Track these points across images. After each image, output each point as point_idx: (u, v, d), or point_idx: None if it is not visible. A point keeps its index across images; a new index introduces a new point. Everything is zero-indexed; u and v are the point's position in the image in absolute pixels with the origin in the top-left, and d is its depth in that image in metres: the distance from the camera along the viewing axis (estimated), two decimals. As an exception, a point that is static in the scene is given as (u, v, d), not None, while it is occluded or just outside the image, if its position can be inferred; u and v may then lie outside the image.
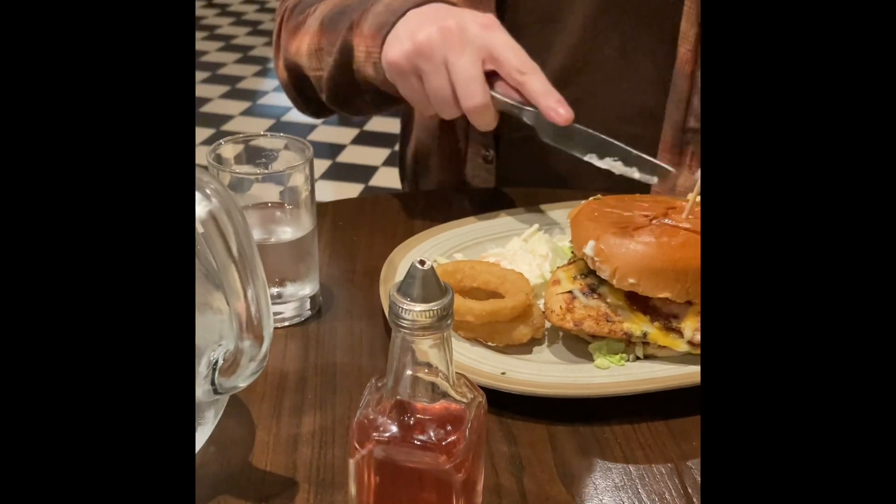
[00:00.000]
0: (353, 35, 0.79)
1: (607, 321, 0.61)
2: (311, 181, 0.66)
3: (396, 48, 0.73)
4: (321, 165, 2.81)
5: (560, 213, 0.80)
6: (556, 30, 0.87)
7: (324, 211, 0.83)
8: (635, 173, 0.73)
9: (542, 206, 0.81)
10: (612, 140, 0.74)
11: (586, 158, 0.74)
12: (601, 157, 0.74)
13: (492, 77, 0.73)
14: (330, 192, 2.63)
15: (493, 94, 0.73)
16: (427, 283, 0.42)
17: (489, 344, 0.63)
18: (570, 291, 0.63)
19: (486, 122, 0.74)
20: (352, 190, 2.66)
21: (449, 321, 0.43)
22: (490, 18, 0.73)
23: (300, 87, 0.91)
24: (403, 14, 0.75)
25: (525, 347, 0.63)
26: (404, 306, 0.42)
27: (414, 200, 0.88)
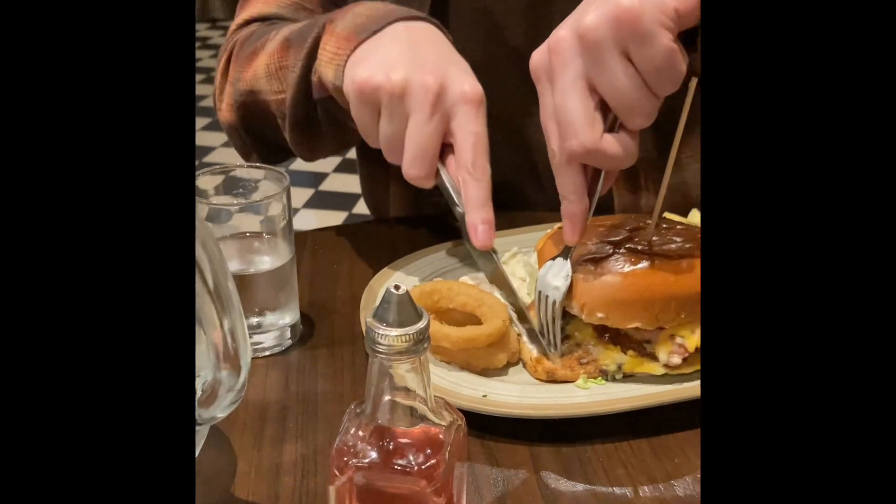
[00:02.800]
0: (324, 32, 0.72)
1: (581, 364, 0.62)
2: (289, 210, 0.67)
3: (366, 71, 0.66)
4: (304, 194, 2.81)
5: (538, 236, 0.80)
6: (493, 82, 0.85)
7: (303, 240, 0.83)
8: (520, 326, 0.66)
9: (521, 230, 0.82)
10: (515, 291, 0.68)
11: (489, 282, 0.70)
12: (500, 290, 0.69)
13: (449, 147, 0.67)
14: (313, 220, 2.64)
15: (441, 168, 0.67)
16: (403, 308, 0.42)
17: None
18: (538, 351, 0.62)
19: (420, 186, 0.68)
20: (335, 218, 2.66)
21: (425, 345, 0.43)
22: (476, 90, 0.66)
23: (251, 126, 0.83)
24: (390, 24, 0.69)
25: (506, 369, 0.64)
26: (380, 331, 0.42)
27: (394, 227, 0.89)
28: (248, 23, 0.87)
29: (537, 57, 0.59)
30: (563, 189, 0.60)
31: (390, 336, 0.42)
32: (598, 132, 0.57)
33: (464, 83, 0.66)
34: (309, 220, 2.66)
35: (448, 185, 0.68)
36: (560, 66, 0.57)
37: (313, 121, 0.77)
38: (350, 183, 2.92)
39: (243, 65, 0.81)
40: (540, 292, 0.62)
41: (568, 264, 0.62)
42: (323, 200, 2.80)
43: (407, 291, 0.42)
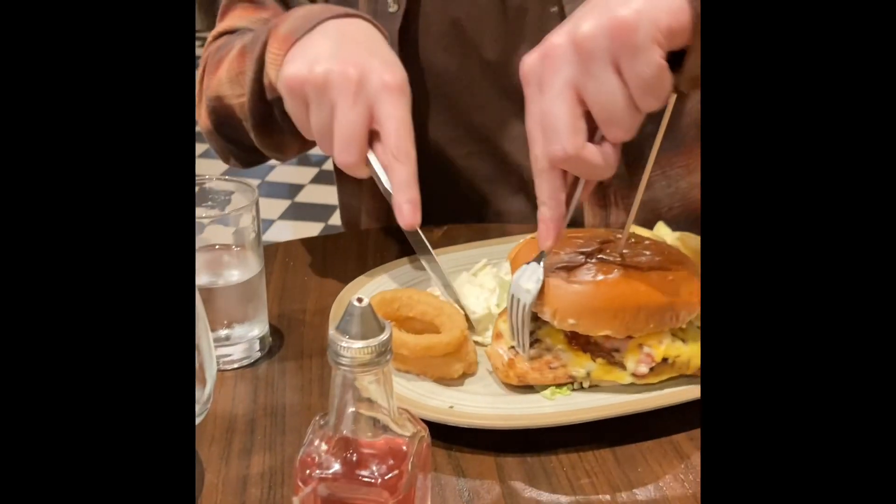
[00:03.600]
0: (270, 35, 0.75)
1: (550, 368, 0.62)
2: (258, 223, 0.67)
3: (293, 68, 0.69)
4: (280, 206, 2.81)
5: (507, 247, 0.81)
6: (450, 90, 0.85)
7: (273, 252, 0.83)
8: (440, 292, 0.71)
9: (490, 241, 0.82)
10: (442, 272, 0.71)
11: (422, 260, 0.73)
12: (429, 265, 0.73)
13: (377, 135, 0.69)
14: (289, 232, 2.63)
15: (370, 156, 0.69)
16: (365, 321, 0.43)
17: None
18: (512, 347, 0.63)
19: (355, 174, 0.71)
20: (311, 229, 2.66)
21: (388, 357, 0.44)
22: (397, 78, 0.68)
23: (224, 131, 0.86)
24: (322, 22, 0.72)
25: (473, 379, 0.64)
26: (343, 344, 0.43)
27: (365, 239, 0.89)
28: (221, 35, 0.90)
29: (529, 62, 0.59)
30: (541, 194, 0.61)
31: (353, 348, 0.42)
32: (581, 140, 0.57)
33: (384, 73, 0.68)
34: (285, 231, 2.65)
35: (378, 170, 0.69)
36: (551, 72, 0.57)
37: (273, 121, 0.79)
38: (326, 194, 2.92)
39: (211, 72, 0.85)
40: (513, 296, 0.63)
41: (541, 269, 0.62)
42: (299, 212, 2.79)
43: (370, 304, 0.43)
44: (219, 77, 0.83)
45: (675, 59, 0.57)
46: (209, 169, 3.17)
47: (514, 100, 0.84)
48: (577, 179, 0.61)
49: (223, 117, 0.85)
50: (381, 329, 0.43)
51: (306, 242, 0.87)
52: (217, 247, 0.67)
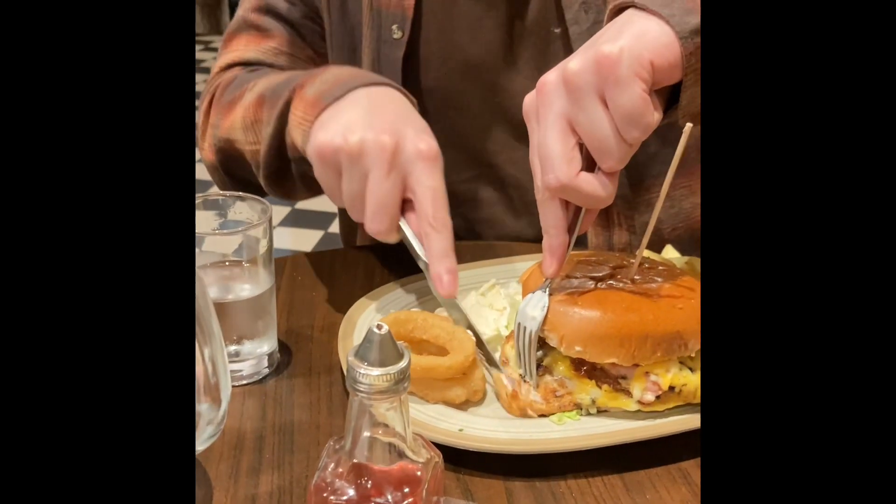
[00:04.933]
0: (294, 95, 0.76)
1: (556, 396, 0.62)
2: (270, 239, 0.67)
3: (326, 135, 0.69)
4: (280, 212, 2.81)
5: (517, 266, 0.81)
6: (451, 114, 0.87)
7: (281, 266, 0.83)
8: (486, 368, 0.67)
9: (499, 261, 0.82)
10: (482, 340, 0.68)
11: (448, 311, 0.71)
12: (453, 315, 0.70)
13: (410, 203, 0.70)
14: (288, 239, 2.63)
15: (402, 223, 0.70)
16: (384, 348, 0.43)
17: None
18: (519, 374, 0.63)
19: (384, 240, 0.71)
20: (311, 236, 2.66)
21: (406, 384, 0.44)
22: (431, 147, 0.69)
23: (230, 168, 0.87)
24: (353, 90, 0.73)
25: (482, 402, 0.64)
26: (361, 370, 0.43)
27: (372, 255, 0.89)
28: (230, 66, 0.92)
29: (528, 100, 0.62)
30: (544, 223, 0.62)
31: (371, 375, 0.43)
32: (574, 169, 0.59)
33: (419, 141, 0.68)
34: (285, 238, 2.65)
35: (411, 238, 0.70)
36: (544, 106, 0.60)
37: (286, 173, 0.81)
38: (326, 202, 2.91)
39: (222, 113, 0.85)
40: (519, 323, 0.63)
41: (546, 297, 0.63)
42: (299, 219, 2.79)
43: (389, 331, 0.43)
44: (232, 121, 0.83)
45: (674, 97, 0.60)
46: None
47: (515, 124, 0.85)
48: (578, 209, 0.62)
49: (231, 159, 0.86)
50: (400, 356, 0.43)
51: (313, 257, 0.87)
52: (228, 262, 0.67)
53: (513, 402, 0.63)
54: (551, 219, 0.62)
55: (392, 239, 0.71)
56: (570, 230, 0.62)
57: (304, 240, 2.63)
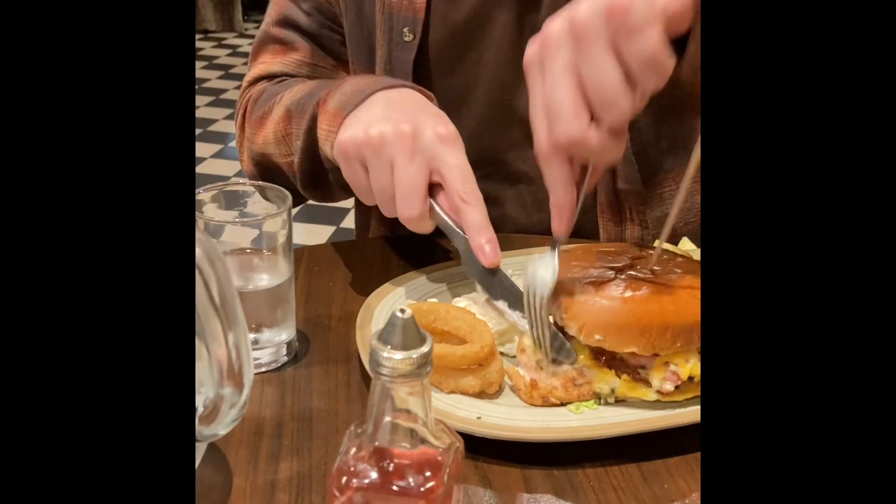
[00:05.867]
0: (319, 110, 0.77)
1: (575, 385, 0.63)
2: (290, 228, 0.67)
3: (349, 132, 0.71)
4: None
5: (533, 258, 0.81)
6: (462, 113, 0.87)
7: (298, 256, 0.84)
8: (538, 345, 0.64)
9: (514, 252, 0.82)
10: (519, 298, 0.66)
11: (497, 304, 0.69)
12: (512, 307, 0.67)
13: (437, 187, 0.70)
14: (302, 234, 2.64)
15: (434, 205, 0.70)
16: (407, 332, 0.43)
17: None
18: (537, 361, 0.63)
19: (420, 229, 0.71)
20: (323, 231, 2.67)
21: (428, 368, 0.44)
22: (450, 130, 0.70)
23: (269, 179, 0.88)
24: (370, 95, 0.74)
25: (498, 396, 0.64)
26: (384, 354, 0.43)
27: (388, 245, 0.89)
28: (257, 80, 0.95)
29: (530, 51, 0.60)
30: (550, 181, 0.61)
31: (394, 359, 0.43)
32: (584, 123, 0.57)
33: (438, 126, 0.69)
34: (298, 233, 2.66)
35: (445, 218, 0.70)
36: (550, 56, 0.58)
37: (322, 180, 0.83)
38: (338, 197, 2.92)
39: (255, 128, 0.88)
40: (528, 288, 0.62)
41: (555, 259, 0.62)
42: (311, 214, 2.80)
43: (412, 315, 0.43)
44: (265, 136, 0.86)
45: (679, 47, 0.57)
46: (230, 170, 3.18)
47: (526, 123, 0.85)
48: (584, 167, 0.61)
49: (269, 170, 0.89)
50: (423, 341, 0.43)
51: (330, 247, 0.88)
52: (247, 251, 0.68)
53: (533, 391, 0.63)
54: (557, 175, 0.60)
55: (426, 226, 0.71)
56: (578, 189, 0.61)
57: (316, 234, 2.64)
